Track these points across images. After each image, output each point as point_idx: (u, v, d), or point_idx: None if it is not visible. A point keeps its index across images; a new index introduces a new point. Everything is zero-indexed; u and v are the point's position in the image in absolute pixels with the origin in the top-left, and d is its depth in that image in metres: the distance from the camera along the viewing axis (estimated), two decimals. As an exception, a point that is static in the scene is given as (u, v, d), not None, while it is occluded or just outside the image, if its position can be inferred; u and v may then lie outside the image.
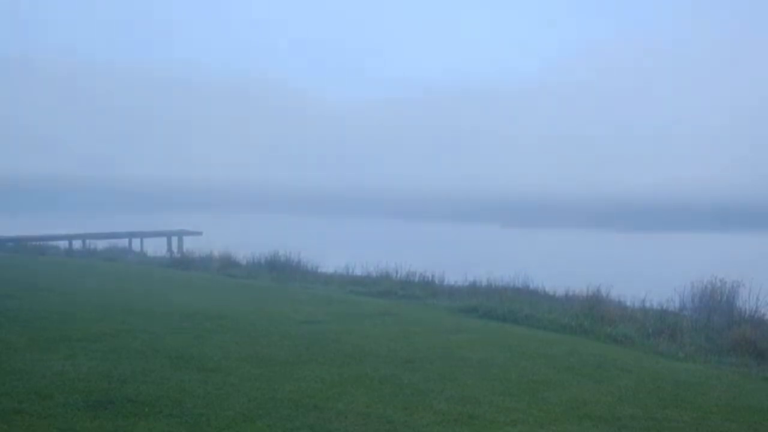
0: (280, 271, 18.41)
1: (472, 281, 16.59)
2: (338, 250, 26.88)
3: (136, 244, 30.85)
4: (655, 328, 11.34)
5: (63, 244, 28.14)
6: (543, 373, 7.87)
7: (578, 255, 36.55)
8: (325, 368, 7.29)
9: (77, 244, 28.03)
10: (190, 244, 28.56)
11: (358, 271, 18.31)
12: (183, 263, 20.46)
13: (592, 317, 11.96)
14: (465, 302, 13.48)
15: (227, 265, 19.85)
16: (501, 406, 6.38)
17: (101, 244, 28.39)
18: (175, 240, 32.25)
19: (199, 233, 32.62)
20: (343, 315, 11.12)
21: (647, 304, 14.19)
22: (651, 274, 23.37)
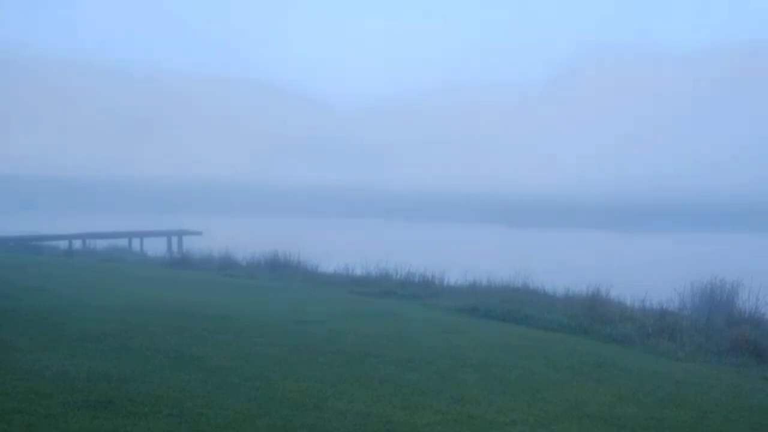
0: (280, 271, 18.40)
1: (472, 281, 16.56)
2: (338, 250, 26.86)
3: (136, 244, 30.84)
4: (655, 327, 11.33)
5: (63, 244, 28.12)
6: (543, 373, 7.87)
7: (578, 255, 36.53)
8: (325, 368, 7.29)
9: (77, 244, 28.02)
10: (190, 244, 28.55)
11: (358, 271, 18.27)
12: (183, 263, 20.46)
13: (591, 317, 11.96)
14: (465, 302, 13.48)
15: (227, 265, 19.84)
16: (501, 406, 6.38)
17: (101, 244, 28.39)
18: (175, 240, 32.24)
19: (199, 233, 32.60)
20: (343, 315, 11.12)
21: (647, 304, 14.17)
22: (651, 274, 23.35)
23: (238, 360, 7.36)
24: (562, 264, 27.35)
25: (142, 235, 31.76)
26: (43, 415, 5.19)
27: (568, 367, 8.22)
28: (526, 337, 10.20)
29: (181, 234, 32.91)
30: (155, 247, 29.43)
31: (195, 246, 25.49)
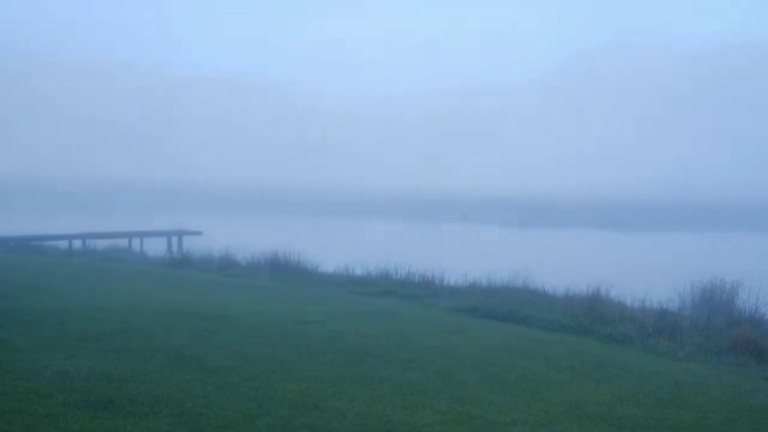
0: (280, 271, 18.40)
1: (472, 281, 16.57)
2: (338, 250, 26.87)
3: (136, 244, 30.86)
4: (655, 327, 11.33)
5: (63, 244, 28.15)
6: (543, 373, 7.87)
7: (578, 255, 36.53)
8: (325, 368, 7.29)
9: (77, 244, 28.04)
10: (190, 244, 28.57)
11: (358, 271, 18.29)
12: (183, 263, 20.47)
13: (592, 317, 11.96)
14: (465, 302, 13.48)
15: (227, 265, 19.85)
16: (501, 406, 6.38)
17: (101, 244, 28.40)
18: (175, 240, 32.26)
19: (199, 233, 32.62)
20: (343, 315, 11.12)
21: (647, 304, 14.17)
22: (651, 274, 23.35)
23: (238, 360, 7.35)
24: (561, 264, 27.34)
25: (142, 235, 31.78)
26: (43, 415, 5.19)
27: (568, 367, 8.22)
28: (526, 337, 10.19)
29: (181, 234, 32.93)
30: (155, 247, 29.45)
31: (195, 246, 25.52)
